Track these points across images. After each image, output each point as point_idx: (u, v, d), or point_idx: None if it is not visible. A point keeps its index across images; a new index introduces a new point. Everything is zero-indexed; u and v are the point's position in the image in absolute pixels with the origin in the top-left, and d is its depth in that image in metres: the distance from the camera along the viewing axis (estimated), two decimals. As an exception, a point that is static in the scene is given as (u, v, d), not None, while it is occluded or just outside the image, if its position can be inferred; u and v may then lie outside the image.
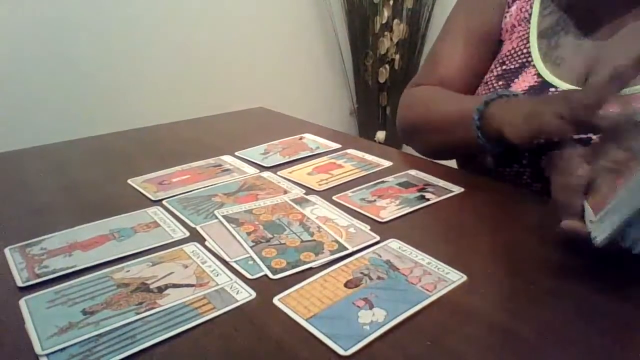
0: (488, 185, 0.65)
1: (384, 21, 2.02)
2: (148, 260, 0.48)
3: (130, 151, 0.82)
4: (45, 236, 0.53)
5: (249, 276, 0.45)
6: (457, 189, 0.63)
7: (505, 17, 0.72)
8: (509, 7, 0.72)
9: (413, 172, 0.68)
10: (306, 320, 0.40)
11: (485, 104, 0.60)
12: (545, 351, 0.37)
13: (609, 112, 0.47)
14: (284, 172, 0.69)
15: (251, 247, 0.50)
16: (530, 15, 0.69)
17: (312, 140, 0.83)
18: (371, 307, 0.41)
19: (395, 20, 2.03)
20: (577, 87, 0.62)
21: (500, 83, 0.68)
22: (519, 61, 0.68)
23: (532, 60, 0.66)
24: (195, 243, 0.51)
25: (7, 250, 0.50)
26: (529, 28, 0.69)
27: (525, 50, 0.68)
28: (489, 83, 0.71)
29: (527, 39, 0.68)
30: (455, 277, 0.45)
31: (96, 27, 1.62)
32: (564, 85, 0.62)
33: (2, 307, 0.42)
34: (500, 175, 0.68)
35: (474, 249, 0.50)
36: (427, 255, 0.48)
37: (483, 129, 0.60)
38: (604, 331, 0.39)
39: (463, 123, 0.63)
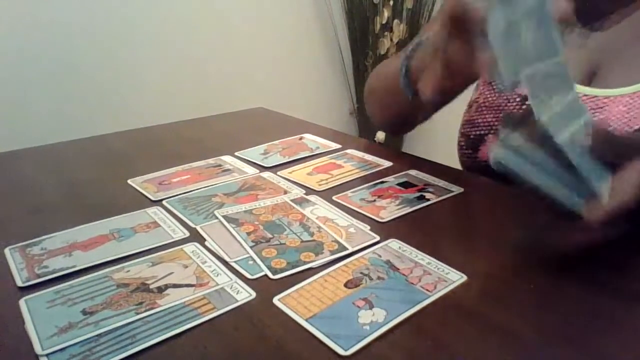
0: (488, 185, 0.65)
1: (384, 21, 2.02)
2: (148, 261, 0.48)
3: (130, 151, 0.82)
4: (45, 236, 0.53)
5: (249, 276, 0.45)
6: (457, 189, 0.63)
7: None
8: None
9: (413, 172, 0.68)
10: (306, 320, 0.40)
11: (410, 51, 0.61)
12: (545, 351, 0.37)
13: None
14: (284, 172, 0.69)
15: (251, 247, 0.50)
16: None
17: (312, 141, 0.83)
18: (371, 307, 0.41)
19: (395, 21, 2.03)
20: (582, 85, 0.62)
21: None
22: None
23: None
24: (195, 243, 0.51)
25: (7, 250, 0.50)
26: None
27: None
28: (493, 84, 0.71)
29: None
30: (455, 277, 0.45)
31: (95, 27, 1.62)
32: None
33: (2, 307, 0.42)
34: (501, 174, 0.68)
35: (474, 249, 0.50)
36: (427, 255, 0.48)
37: (411, 80, 0.61)
38: (604, 331, 0.39)
39: (394, 79, 0.64)
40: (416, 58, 0.60)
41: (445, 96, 0.58)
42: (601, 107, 0.58)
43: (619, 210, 0.40)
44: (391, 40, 2.05)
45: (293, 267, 0.46)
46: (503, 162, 0.44)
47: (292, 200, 0.60)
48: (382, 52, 2.06)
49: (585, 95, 0.60)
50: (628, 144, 0.47)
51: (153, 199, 0.62)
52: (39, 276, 0.46)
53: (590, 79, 0.62)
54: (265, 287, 0.44)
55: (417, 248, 0.49)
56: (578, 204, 0.42)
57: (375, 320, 0.39)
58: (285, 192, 0.63)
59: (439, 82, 0.50)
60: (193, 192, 0.63)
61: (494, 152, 0.45)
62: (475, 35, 0.44)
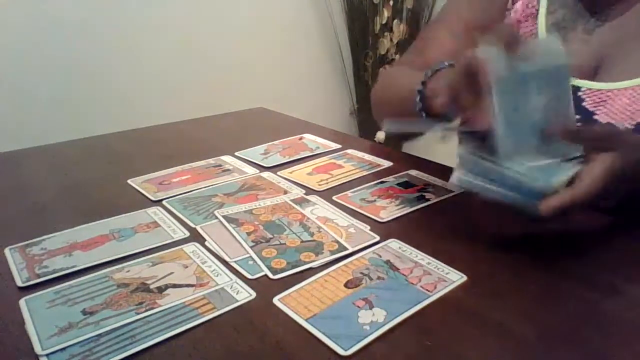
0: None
1: (383, 21, 2.02)
2: (148, 261, 0.48)
3: (131, 151, 0.82)
4: (45, 236, 0.53)
5: (249, 276, 0.45)
6: (457, 189, 0.63)
7: (510, 13, 0.72)
8: (514, 3, 0.72)
9: (413, 172, 0.68)
10: (306, 320, 0.40)
11: (427, 76, 0.60)
12: (545, 351, 0.37)
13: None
14: (284, 173, 0.69)
15: (251, 247, 0.50)
16: (537, 11, 0.69)
17: (312, 141, 0.83)
18: (371, 307, 0.41)
19: (395, 21, 2.03)
20: (586, 80, 0.62)
21: None
22: None
23: None
24: (195, 243, 0.51)
25: (7, 250, 0.50)
26: (536, 24, 0.69)
27: None
28: None
29: (536, 34, 0.68)
30: (455, 277, 0.45)
31: (95, 27, 1.62)
32: (573, 80, 0.62)
33: (2, 307, 0.42)
34: None
35: (474, 249, 0.50)
36: (427, 255, 0.48)
37: (425, 103, 0.60)
38: (604, 331, 0.39)
39: (409, 98, 0.63)
40: (430, 89, 0.60)
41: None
42: (604, 101, 0.58)
43: (584, 200, 0.43)
44: (391, 40, 2.05)
45: (293, 267, 0.46)
46: (463, 186, 0.49)
47: (292, 200, 0.60)
48: (382, 52, 2.06)
49: (589, 89, 0.60)
50: (595, 136, 0.49)
51: (153, 199, 0.62)
52: (39, 276, 0.46)
53: (594, 74, 0.62)
54: (265, 287, 0.44)
55: (417, 248, 0.49)
56: (535, 208, 0.44)
57: (375, 320, 0.39)
58: (285, 192, 0.63)
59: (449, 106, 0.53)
60: (193, 192, 0.63)
61: (453, 176, 0.49)
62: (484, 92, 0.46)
